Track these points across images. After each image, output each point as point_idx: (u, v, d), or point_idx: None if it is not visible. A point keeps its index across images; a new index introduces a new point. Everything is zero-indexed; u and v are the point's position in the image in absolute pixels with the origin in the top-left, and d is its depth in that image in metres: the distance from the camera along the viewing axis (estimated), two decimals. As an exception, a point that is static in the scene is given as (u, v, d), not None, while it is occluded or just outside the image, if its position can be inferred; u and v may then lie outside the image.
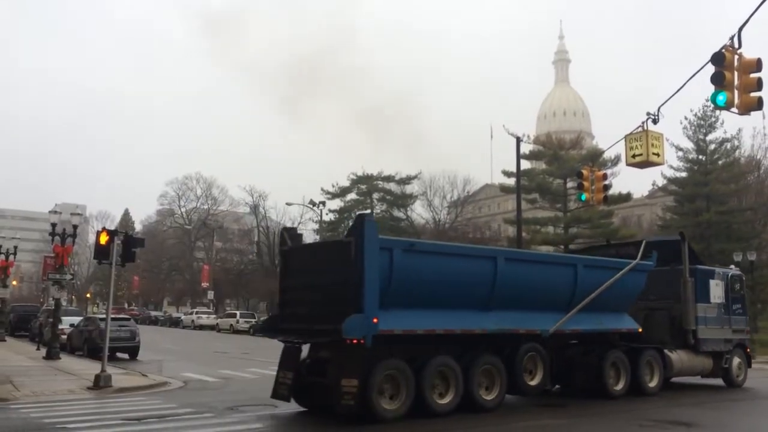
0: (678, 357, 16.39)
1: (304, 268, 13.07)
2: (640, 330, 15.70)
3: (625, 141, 15.72)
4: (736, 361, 17.77)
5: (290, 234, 14.06)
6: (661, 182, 56.87)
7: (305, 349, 13.06)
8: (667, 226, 56.18)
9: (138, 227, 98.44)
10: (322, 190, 73.10)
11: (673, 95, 14.14)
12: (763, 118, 51.53)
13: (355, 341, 10.90)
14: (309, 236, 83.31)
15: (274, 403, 13.00)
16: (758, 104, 11.25)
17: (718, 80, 11.22)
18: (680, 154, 51.09)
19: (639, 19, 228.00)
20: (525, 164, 52.42)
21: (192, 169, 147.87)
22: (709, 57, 11.35)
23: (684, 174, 52.19)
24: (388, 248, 11.73)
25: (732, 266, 22.33)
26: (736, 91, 11.28)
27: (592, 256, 16.91)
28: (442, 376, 11.97)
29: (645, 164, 15.53)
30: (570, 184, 48.36)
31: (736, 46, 11.22)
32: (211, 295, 67.98)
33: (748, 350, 18.79)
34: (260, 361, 24.55)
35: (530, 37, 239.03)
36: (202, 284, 71.97)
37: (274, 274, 79.34)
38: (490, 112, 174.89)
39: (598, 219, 49.83)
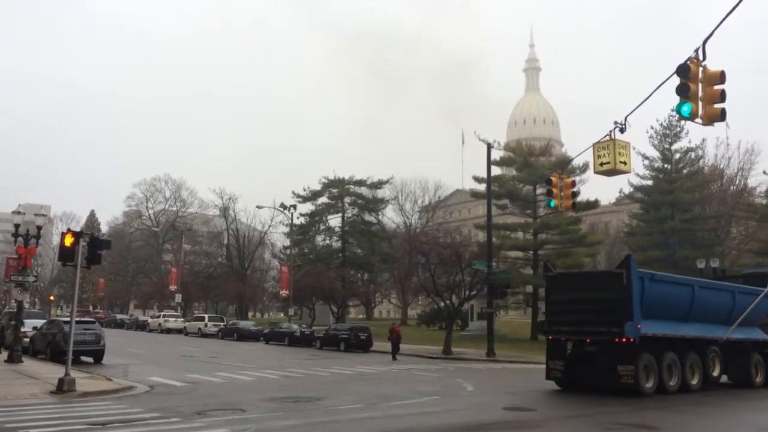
0: None
1: (572, 289, 18.87)
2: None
3: (593, 149, 15.95)
4: None
5: (551, 265, 21.05)
6: (627, 190, 57.99)
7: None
8: (633, 233, 57.31)
9: (104, 229, 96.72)
10: (293, 193, 72.86)
11: (639, 105, 14.44)
12: (727, 128, 52.68)
13: (629, 340, 16.54)
14: (279, 239, 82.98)
15: (242, 407, 12.98)
16: (721, 115, 11.53)
17: (683, 91, 11.47)
18: (646, 162, 52.24)
19: (609, 30, 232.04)
20: (496, 170, 52.88)
21: (161, 171, 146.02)
22: (675, 68, 11.62)
23: (650, 182, 53.26)
24: (641, 277, 17.36)
25: None
26: (700, 103, 11.53)
27: (737, 284, 22.02)
28: (670, 367, 17.61)
29: (612, 172, 15.76)
30: (539, 191, 48.95)
31: (701, 58, 11.49)
32: (178, 298, 67.05)
33: None
34: (228, 365, 24.34)
35: (502, 44, 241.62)
36: (170, 287, 70.96)
37: (244, 277, 79.02)
38: (462, 118, 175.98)
39: (567, 225, 50.50)
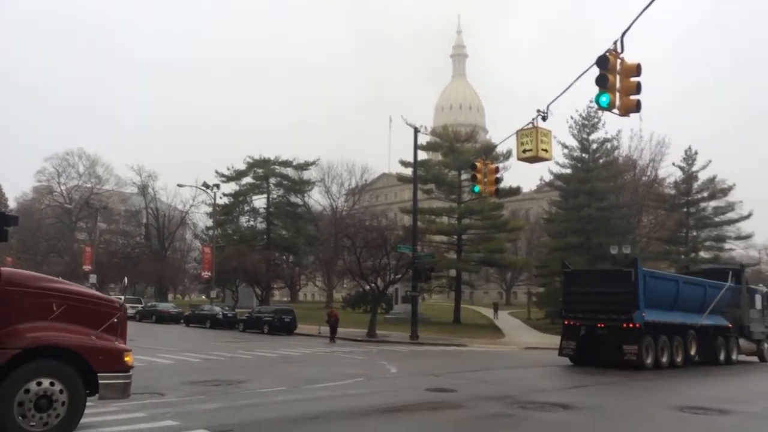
0: (742, 342, 26.56)
1: (586, 283, 23.28)
2: (729, 325, 25.64)
3: (517, 136, 16.31)
4: (766, 345, 28.35)
5: (569, 263, 25.78)
6: (548, 178, 59.78)
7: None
8: (553, 219, 59.22)
9: (12, 204, 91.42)
10: (216, 172, 71.11)
11: (561, 94, 14.87)
12: (640, 121, 55.33)
13: (635, 325, 20.87)
14: (202, 219, 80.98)
15: (161, 391, 12.65)
16: (637, 107, 12.00)
17: (601, 82, 11.87)
18: (566, 151, 53.88)
19: (535, 20, 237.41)
20: (422, 155, 53.52)
21: (75, 144, 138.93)
22: (595, 59, 11.99)
23: (569, 171, 55.05)
24: (644, 275, 21.64)
25: (761, 285, 33.16)
26: (617, 94, 11.97)
27: (707, 279, 26.19)
28: (662, 347, 21.96)
29: (534, 159, 16.17)
30: (464, 176, 49.84)
31: (619, 50, 11.90)
32: (93, 278, 64.39)
33: None
34: (146, 348, 23.63)
35: (429, 30, 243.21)
36: (84, 267, 68.01)
37: (163, 258, 76.71)
38: (390, 102, 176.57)
39: (490, 211, 51.70)
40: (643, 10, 11.34)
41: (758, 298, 28.38)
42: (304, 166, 74.65)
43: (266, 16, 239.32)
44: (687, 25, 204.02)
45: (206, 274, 56.25)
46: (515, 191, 52.05)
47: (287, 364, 20.48)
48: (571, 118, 52.62)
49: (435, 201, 58.35)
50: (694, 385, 18.23)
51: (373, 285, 38.07)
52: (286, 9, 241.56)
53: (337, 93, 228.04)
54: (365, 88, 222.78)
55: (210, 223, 70.50)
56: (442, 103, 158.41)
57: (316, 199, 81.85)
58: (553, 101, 15.37)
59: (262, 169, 72.26)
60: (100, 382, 8.53)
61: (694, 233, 63.16)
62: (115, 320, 9.06)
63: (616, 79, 11.90)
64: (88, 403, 8.77)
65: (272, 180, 73.64)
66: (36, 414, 7.98)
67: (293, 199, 76.05)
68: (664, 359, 21.93)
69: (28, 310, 8.28)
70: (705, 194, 62.54)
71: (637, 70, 11.99)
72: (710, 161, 61.66)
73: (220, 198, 66.65)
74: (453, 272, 54.27)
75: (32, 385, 7.99)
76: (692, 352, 23.55)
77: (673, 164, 62.61)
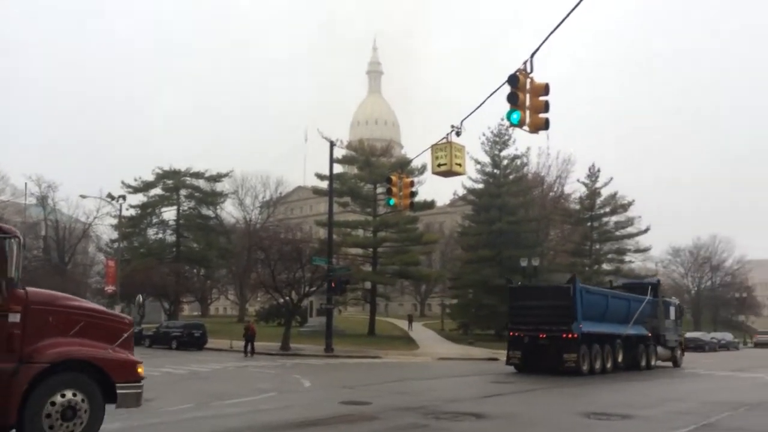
0: (660, 349, 29.44)
1: (529, 297, 25.23)
2: (649, 334, 28.37)
3: (432, 151, 16.60)
4: (678, 352, 31.57)
5: (514, 280, 31.21)
6: (461, 192, 61.17)
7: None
8: (466, 233, 60.62)
9: None
10: (123, 183, 68.15)
11: (474, 110, 15.24)
12: (547, 139, 57.73)
13: (574, 335, 22.89)
14: (106, 232, 77.30)
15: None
16: (545, 124, 12.48)
17: (512, 100, 12.27)
18: (478, 167, 55.41)
19: (450, 39, 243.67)
20: (338, 168, 53.50)
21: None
22: (506, 78, 12.38)
23: (481, 185, 56.61)
24: (581, 290, 23.92)
25: (674, 297, 38.17)
26: (527, 111, 12.41)
27: (631, 293, 28.90)
28: (596, 355, 23.93)
29: (448, 173, 16.50)
30: (380, 190, 50.24)
31: (529, 70, 12.35)
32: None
33: (683, 346, 33.35)
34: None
35: (347, 45, 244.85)
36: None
37: (63, 271, 72.52)
38: (306, 115, 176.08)
39: (405, 224, 52.30)
40: (551, 32, 11.81)
41: (672, 309, 31.74)
42: (216, 178, 72.88)
43: (175, 25, 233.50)
44: (587, 51, 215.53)
45: (110, 288, 53.68)
46: (430, 205, 52.91)
47: (196, 381, 19.78)
48: (483, 134, 54.23)
49: (350, 214, 58.43)
50: (609, 390, 18.98)
51: (287, 298, 37.55)
52: (201, 17, 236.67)
53: (252, 105, 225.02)
54: (281, 101, 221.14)
55: (115, 235, 67.46)
56: (358, 118, 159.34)
57: (229, 211, 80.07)
58: (467, 117, 15.77)
59: (172, 181, 69.97)
60: (118, 392, 9.21)
61: (597, 246, 66.47)
62: (126, 335, 9.76)
63: (526, 98, 12.33)
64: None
65: (183, 191, 71.44)
66: (63, 423, 8.62)
67: (205, 211, 74.03)
68: (597, 366, 24.06)
69: (52, 327, 8.89)
70: (607, 209, 66.00)
71: (545, 89, 12.48)
72: (612, 178, 65.22)
73: (127, 210, 63.96)
74: (368, 285, 54.40)
75: (57, 397, 8.63)
76: (619, 359, 25.88)
77: (578, 181, 65.77)
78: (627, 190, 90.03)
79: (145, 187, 69.83)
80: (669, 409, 14.35)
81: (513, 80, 12.22)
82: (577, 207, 66.67)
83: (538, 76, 12.45)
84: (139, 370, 9.60)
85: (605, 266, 66.82)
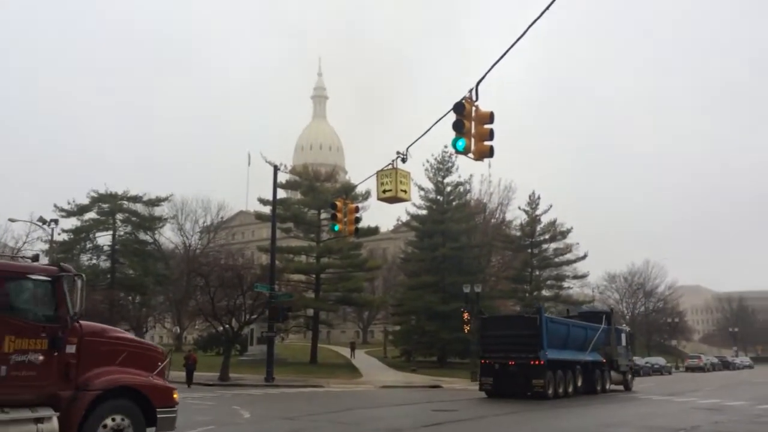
0: (613, 374, 31.25)
1: (499, 327, 27.33)
2: (604, 360, 30.31)
3: (377, 177, 16.53)
4: (629, 376, 33.52)
5: (483, 311, 33.03)
6: (405, 218, 61.52)
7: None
8: (409, 259, 60.77)
9: None
10: (56, 207, 65.41)
11: (420, 137, 15.31)
12: (489, 167, 58.83)
13: (540, 362, 24.49)
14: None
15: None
16: (490, 152, 12.56)
17: (458, 127, 12.32)
18: (422, 193, 55.87)
19: (397, 66, 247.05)
20: (281, 193, 52.95)
21: None
22: (452, 106, 12.44)
23: (425, 212, 57.01)
24: (545, 320, 25.72)
25: (624, 325, 40.93)
26: (472, 139, 12.48)
27: (587, 322, 31.05)
28: (559, 380, 25.58)
29: (394, 200, 16.43)
30: (324, 215, 49.85)
31: (474, 98, 12.46)
32: None
33: (633, 371, 35.22)
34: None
35: (291, 69, 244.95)
36: None
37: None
38: (249, 139, 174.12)
39: (348, 250, 51.99)
40: (496, 62, 11.97)
41: (623, 336, 34.14)
42: (155, 202, 70.88)
43: (111, 43, 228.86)
44: (533, 78, 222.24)
45: (40, 316, 51.14)
46: (374, 231, 52.87)
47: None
48: (427, 161, 54.84)
49: (294, 240, 57.75)
50: (552, 416, 19.09)
51: (227, 326, 36.55)
52: (138, 36, 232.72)
53: (193, 128, 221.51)
54: (224, 125, 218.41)
55: (46, 261, 64.55)
56: (302, 143, 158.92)
57: (168, 236, 77.91)
58: (412, 144, 15.81)
59: (108, 204, 67.64)
60: (158, 416, 10.17)
61: (537, 273, 67.62)
62: (162, 364, 10.87)
63: (472, 125, 12.41)
64: None
65: (119, 216, 69.11)
66: None
67: (142, 236, 71.74)
68: (561, 390, 25.73)
69: (102, 356, 9.98)
70: (547, 236, 67.36)
71: (490, 117, 12.59)
72: (551, 206, 66.77)
73: (59, 234, 61.44)
74: (311, 312, 53.66)
75: (108, 421, 9.67)
76: (579, 384, 27.56)
77: (519, 208, 67.08)
78: (566, 217, 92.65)
79: (79, 210, 67.23)
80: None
81: (459, 108, 12.30)
82: (518, 234, 67.86)
83: (483, 104, 12.60)
84: (175, 395, 10.60)
85: (545, 292, 68.02)
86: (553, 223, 67.15)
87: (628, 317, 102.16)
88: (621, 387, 32.49)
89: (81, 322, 9.80)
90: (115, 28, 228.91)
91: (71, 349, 9.46)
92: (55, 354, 9.31)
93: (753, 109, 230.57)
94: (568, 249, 68.78)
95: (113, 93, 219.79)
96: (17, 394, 8.99)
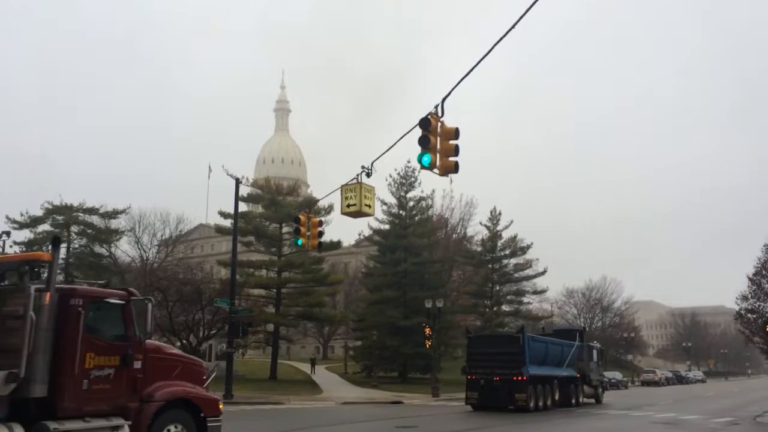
0: (586, 388, 33.04)
1: (485, 345, 29.56)
2: (579, 375, 32.41)
3: (341, 191, 16.44)
4: (600, 389, 35.52)
5: (472, 330, 36.11)
6: (367, 233, 61.33)
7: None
8: (371, 273, 60.62)
9: None
10: (7, 218, 63.34)
11: (385, 152, 15.29)
12: (450, 182, 59.31)
13: (523, 378, 26.78)
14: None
15: None
16: (455, 168, 12.59)
17: (423, 143, 12.32)
18: (385, 208, 55.86)
19: (359, 83, 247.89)
20: (242, 207, 52.25)
21: None
22: (418, 121, 12.47)
23: (387, 226, 56.99)
24: (527, 339, 28.16)
25: (595, 342, 42.12)
26: (438, 155, 12.51)
27: (563, 339, 33.44)
28: (539, 394, 27.64)
29: (358, 214, 16.36)
30: (285, 229, 49.42)
31: (440, 114, 12.51)
32: None
33: (603, 384, 38.87)
34: None
35: (253, 81, 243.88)
36: None
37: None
38: (209, 152, 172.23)
39: (310, 264, 51.59)
40: (462, 78, 12.10)
41: (594, 352, 36.49)
42: (112, 215, 69.28)
43: (72, 50, 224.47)
44: (497, 92, 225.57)
45: (-13, 332, 49.26)
46: (336, 245, 52.55)
47: None
48: (390, 176, 54.95)
49: (254, 254, 57.05)
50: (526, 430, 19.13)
51: (185, 341, 35.78)
52: (103, 52, 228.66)
53: (155, 140, 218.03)
54: (185, 137, 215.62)
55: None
56: (264, 156, 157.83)
57: (125, 249, 76.00)
58: (378, 158, 15.77)
59: (63, 216, 65.89)
60: (209, 425, 11.37)
61: (498, 288, 68.20)
62: (207, 376, 12.16)
63: (437, 141, 12.44)
64: None
65: (74, 228, 67.36)
66: None
67: (98, 249, 70.02)
68: (540, 403, 27.92)
69: (162, 371, 11.20)
70: (507, 252, 68.05)
71: (455, 133, 12.64)
72: (512, 221, 67.57)
73: (11, 247, 59.42)
74: (271, 327, 52.94)
75: (171, 428, 10.87)
76: (556, 397, 29.80)
77: (480, 223, 67.73)
78: (526, 232, 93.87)
79: (33, 222, 65.30)
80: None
81: (424, 123, 12.32)
82: (479, 249, 68.42)
83: (448, 121, 12.66)
84: (221, 406, 11.88)
85: (504, 307, 68.62)
86: (513, 239, 67.91)
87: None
88: (593, 400, 34.68)
89: (146, 341, 11.03)
90: (70, 29, 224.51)
91: (138, 365, 10.69)
92: (126, 369, 10.51)
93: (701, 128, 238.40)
94: (528, 264, 69.61)
95: (62, 98, 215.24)
96: (96, 405, 10.15)
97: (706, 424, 21.57)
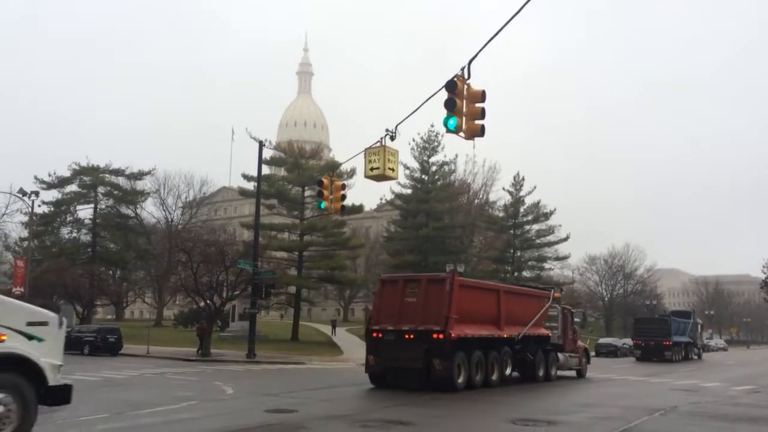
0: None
1: (647, 322, 48.43)
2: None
3: (365, 154, 16.39)
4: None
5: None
6: (389, 197, 61.40)
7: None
8: (392, 238, 60.86)
9: None
10: (36, 178, 64.50)
11: (410, 115, 15.14)
12: (473, 147, 58.84)
13: (669, 342, 44.56)
14: (16, 230, 73.12)
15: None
16: (481, 131, 12.46)
17: (450, 105, 12.18)
18: (407, 172, 55.77)
19: (388, 44, 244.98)
20: (266, 170, 52.46)
21: None
22: (444, 84, 12.30)
23: (409, 191, 56.97)
24: (671, 318, 47.91)
25: (699, 319, 51.09)
26: (464, 118, 12.37)
27: (680, 318, 47.25)
28: (675, 351, 45.16)
29: (381, 177, 16.32)
30: (308, 193, 49.60)
31: (466, 76, 12.33)
32: None
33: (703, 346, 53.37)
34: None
35: (277, 43, 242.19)
36: None
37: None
38: (232, 114, 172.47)
39: (332, 228, 51.86)
40: (490, 39, 11.87)
41: (699, 326, 52.60)
42: (137, 176, 70.14)
43: (99, 18, 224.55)
44: (519, 61, 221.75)
45: (18, 290, 50.47)
46: (358, 209, 52.68)
47: (111, 388, 18.75)
48: (413, 140, 54.67)
49: (277, 217, 57.46)
50: (532, 398, 19.30)
51: (209, 302, 36.40)
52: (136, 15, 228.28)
53: (177, 102, 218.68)
54: (208, 100, 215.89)
55: (25, 233, 63.73)
56: (286, 119, 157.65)
57: (150, 211, 77.11)
58: (402, 122, 15.63)
59: (90, 177, 66.82)
60: None
61: (519, 253, 68.08)
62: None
63: (463, 104, 12.29)
64: None
65: (101, 189, 68.36)
66: None
67: (124, 210, 71.11)
68: (676, 357, 43.36)
69: None
70: (529, 218, 67.72)
71: (482, 96, 12.48)
72: (535, 187, 67.06)
73: (39, 206, 60.53)
74: (293, 289, 53.60)
75: None
76: (682, 354, 44.88)
77: (503, 189, 67.26)
78: (549, 199, 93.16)
79: (60, 183, 66.39)
80: (591, 414, 14.67)
81: (451, 86, 12.17)
82: (501, 215, 68.14)
83: (475, 83, 12.48)
84: None
85: (526, 273, 68.58)
86: (536, 205, 67.51)
87: (606, 299, 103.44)
88: (696, 356, 49.31)
89: None
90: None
91: None
92: None
93: (733, 102, 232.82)
94: (550, 230, 69.27)
95: (101, 68, 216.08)
96: None
97: (726, 392, 21.53)
